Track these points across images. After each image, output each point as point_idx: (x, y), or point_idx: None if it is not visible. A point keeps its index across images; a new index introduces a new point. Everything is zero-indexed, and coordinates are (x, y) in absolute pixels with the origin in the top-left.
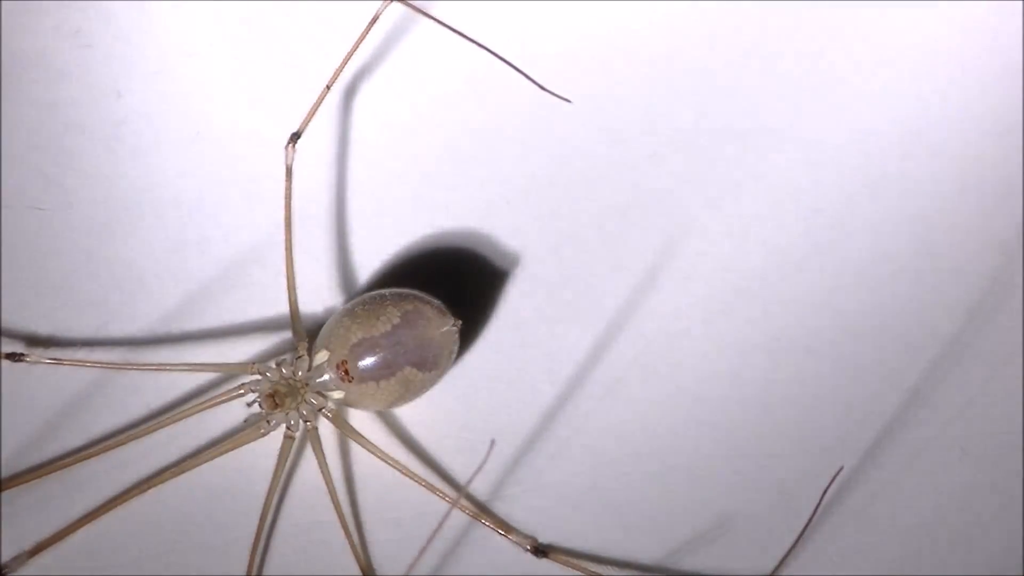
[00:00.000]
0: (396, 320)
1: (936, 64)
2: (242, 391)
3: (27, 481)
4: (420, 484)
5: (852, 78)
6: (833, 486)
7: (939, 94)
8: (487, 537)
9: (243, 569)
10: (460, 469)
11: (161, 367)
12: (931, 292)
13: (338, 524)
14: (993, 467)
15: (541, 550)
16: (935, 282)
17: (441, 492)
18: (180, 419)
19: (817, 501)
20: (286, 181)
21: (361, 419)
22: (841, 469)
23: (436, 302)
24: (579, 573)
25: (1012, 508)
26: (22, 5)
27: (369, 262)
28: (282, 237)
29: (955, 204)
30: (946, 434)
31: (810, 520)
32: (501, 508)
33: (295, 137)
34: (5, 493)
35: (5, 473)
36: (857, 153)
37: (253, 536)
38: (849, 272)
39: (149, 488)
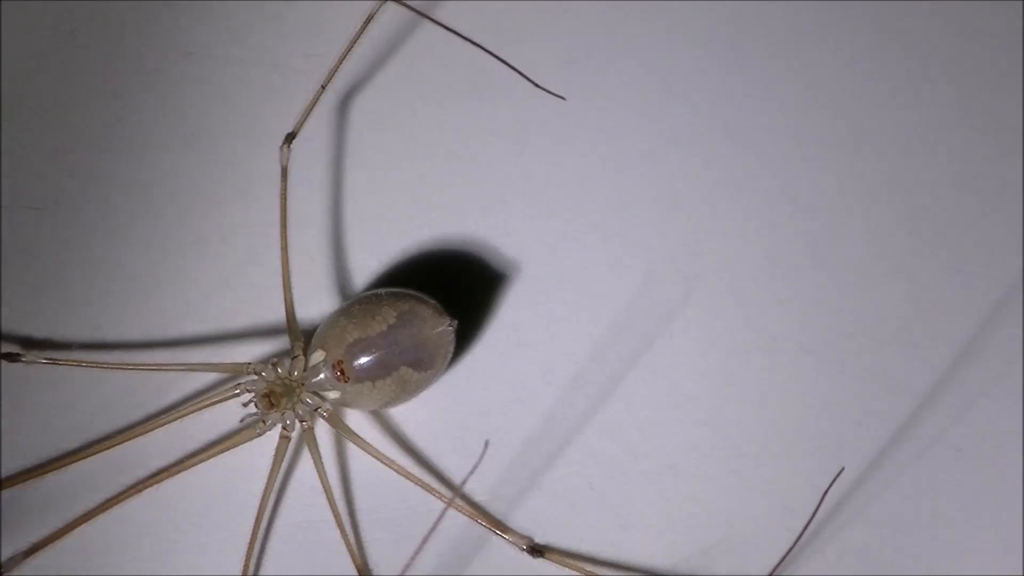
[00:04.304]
0: (392, 320)
1: (936, 64)
2: (238, 391)
3: (23, 481)
4: (416, 484)
5: (850, 77)
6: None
7: (939, 94)
8: (484, 537)
9: (239, 569)
10: (457, 469)
11: (157, 367)
12: (929, 292)
13: (334, 524)
14: (992, 467)
15: (537, 550)
16: (933, 282)
17: (437, 492)
18: (176, 419)
19: (817, 502)
20: (281, 181)
21: (357, 419)
22: (842, 471)
23: (432, 302)
24: (575, 573)
25: (1011, 508)
26: (21, 5)
27: (365, 262)
28: (278, 237)
29: (955, 204)
30: (945, 434)
31: (809, 521)
32: (498, 508)
33: (290, 137)
34: (2, 493)
35: (2, 474)
36: (855, 153)
37: (249, 536)
38: (846, 272)
39: (145, 488)
